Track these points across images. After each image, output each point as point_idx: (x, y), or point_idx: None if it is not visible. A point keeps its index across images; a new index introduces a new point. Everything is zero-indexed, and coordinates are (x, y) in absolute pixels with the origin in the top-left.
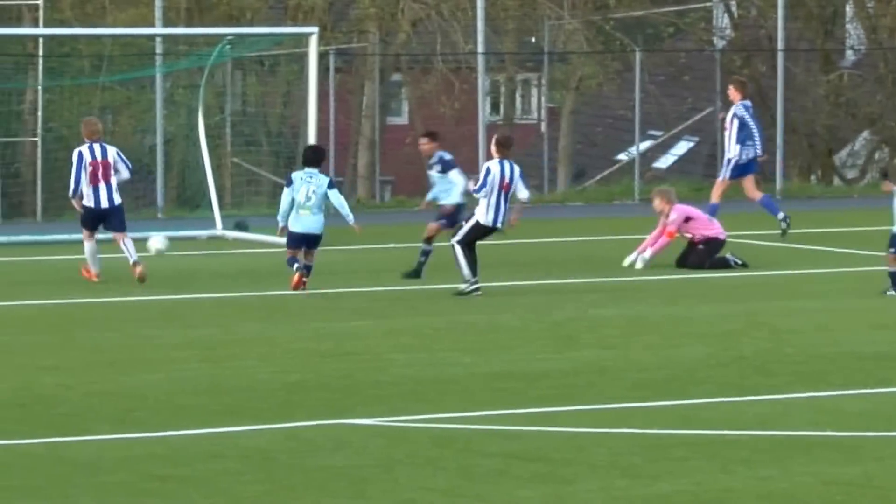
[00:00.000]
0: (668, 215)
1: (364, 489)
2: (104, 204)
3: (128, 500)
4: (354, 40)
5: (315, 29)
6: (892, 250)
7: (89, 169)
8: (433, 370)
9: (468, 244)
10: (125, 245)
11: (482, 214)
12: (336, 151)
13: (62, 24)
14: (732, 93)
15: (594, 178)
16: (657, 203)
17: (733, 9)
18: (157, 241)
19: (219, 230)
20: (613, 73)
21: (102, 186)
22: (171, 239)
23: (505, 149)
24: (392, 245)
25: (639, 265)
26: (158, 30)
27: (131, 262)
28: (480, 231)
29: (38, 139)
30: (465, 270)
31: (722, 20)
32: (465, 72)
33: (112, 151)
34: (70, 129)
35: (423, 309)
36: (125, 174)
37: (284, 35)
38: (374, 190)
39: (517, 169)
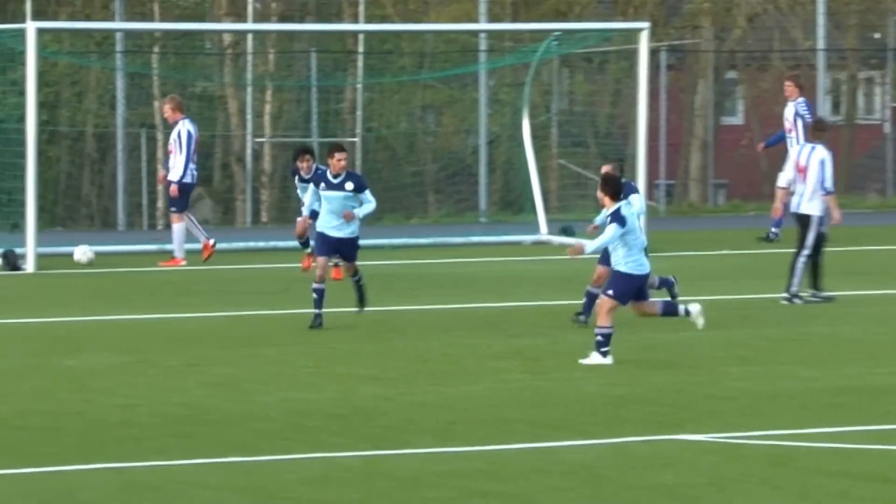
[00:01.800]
0: None
1: None
2: (196, 180)
3: None
4: (687, 36)
5: (646, 25)
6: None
7: (194, 146)
8: (769, 384)
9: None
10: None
11: None
12: (667, 153)
13: (383, 20)
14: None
15: None
16: None
17: None
18: (81, 251)
19: (543, 235)
20: None
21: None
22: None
23: (818, 131)
24: (726, 251)
25: None
26: (483, 25)
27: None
28: (798, 221)
29: (357, 139)
30: (794, 285)
31: None
32: (805, 69)
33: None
34: (390, 129)
35: (758, 319)
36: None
37: (614, 31)
38: (706, 193)
39: (817, 156)
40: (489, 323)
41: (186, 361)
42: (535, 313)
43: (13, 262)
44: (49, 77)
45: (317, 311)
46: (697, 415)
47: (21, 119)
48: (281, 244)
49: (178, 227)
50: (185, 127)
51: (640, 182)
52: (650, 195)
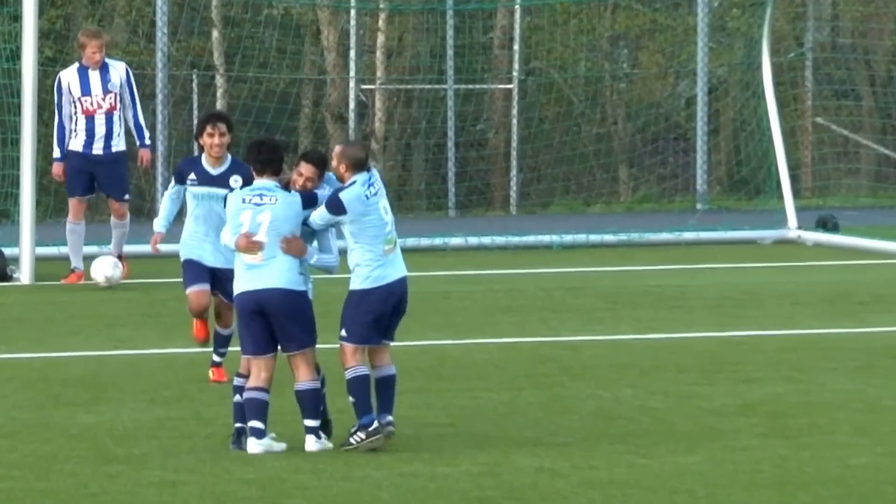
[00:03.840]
0: None
1: None
2: None
3: None
4: None
5: None
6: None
7: None
8: None
9: None
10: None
11: None
12: None
13: None
14: None
15: None
16: None
17: None
18: (105, 266)
19: (792, 230)
20: None
21: None
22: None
23: None
24: None
25: None
26: None
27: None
28: None
29: (512, 86)
30: None
31: None
32: None
33: None
34: (563, 72)
35: None
36: None
37: None
38: None
39: None
40: (710, 362)
41: None
42: (779, 348)
43: (1, 269)
44: None
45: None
46: None
47: (14, 56)
48: (409, 241)
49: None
50: (124, 67)
51: None
52: None
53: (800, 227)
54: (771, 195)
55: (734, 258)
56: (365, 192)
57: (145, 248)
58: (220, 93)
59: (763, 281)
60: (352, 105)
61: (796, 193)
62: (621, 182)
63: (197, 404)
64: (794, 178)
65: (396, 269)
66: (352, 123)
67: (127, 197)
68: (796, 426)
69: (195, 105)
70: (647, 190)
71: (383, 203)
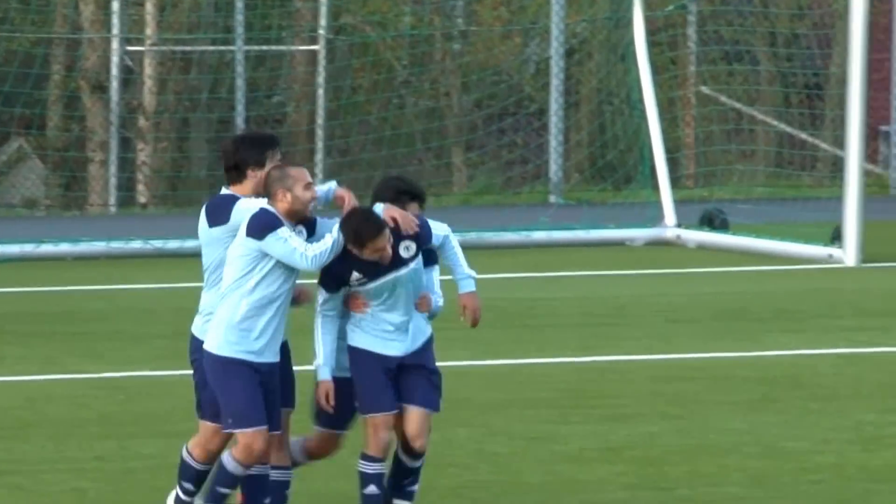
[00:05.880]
0: None
1: None
2: None
3: None
4: None
5: None
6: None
7: None
8: None
9: None
10: None
11: None
12: None
13: None
14: None
15: None
16: None
17: None
18: None
19: (670, 228)
20: None
21: None
22: None
23: None
24: None
25: None
26: None
27: None
28: None
29: (318, 47)
30: None
31: None
32: None
33: None
34: (382, 29)
35: None
36: None
37: None
38: None
39: None
40: (566, 395)
41: None
42: (653, 377)
43: None
44: None
45: None
46: None
47: None
48: (188, 244)
49: None
50: None
51: (853, 130)
52: (873, 150)
53: (679, 225)
54: (643, 185)
55: (597, 264)
56: None
57: None
58: None
59: (633, 293)
60: (114, 71)
61: (675, 182)
62: (455, 169)
63: None
64: (673, 164)
65: None
66: (114, 94)
67: None
68: (674, 475)
69: None
70: (488, 179)
71: None
